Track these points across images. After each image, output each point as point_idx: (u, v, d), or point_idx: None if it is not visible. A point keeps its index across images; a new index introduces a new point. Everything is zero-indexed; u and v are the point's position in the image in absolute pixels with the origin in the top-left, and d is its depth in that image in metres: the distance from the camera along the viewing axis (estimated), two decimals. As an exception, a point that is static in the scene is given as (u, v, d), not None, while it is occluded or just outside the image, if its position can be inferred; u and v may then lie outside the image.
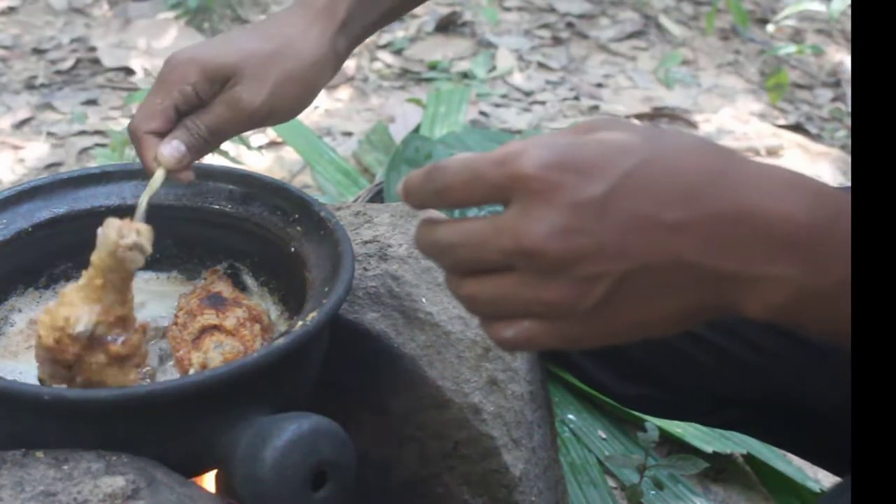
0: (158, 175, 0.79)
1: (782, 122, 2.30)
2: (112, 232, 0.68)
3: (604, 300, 0.51)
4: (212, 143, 0.81)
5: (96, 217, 0.88)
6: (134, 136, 0.81)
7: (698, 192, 0.51)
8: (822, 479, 1.30)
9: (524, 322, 0.53)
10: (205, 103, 0.81)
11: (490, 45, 2.56)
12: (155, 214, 0.89)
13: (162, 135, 0.80)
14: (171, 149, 0.79)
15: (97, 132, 2.12)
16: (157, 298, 0.90)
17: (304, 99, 0.85)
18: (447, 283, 0.56)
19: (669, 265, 0.51)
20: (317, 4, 0.86)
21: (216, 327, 0.79)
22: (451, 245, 0.54)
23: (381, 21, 0.91)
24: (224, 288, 0.84)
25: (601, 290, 0.51)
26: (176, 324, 0.81)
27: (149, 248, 0.69)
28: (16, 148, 2.07)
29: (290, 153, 2.03)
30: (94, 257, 0.69)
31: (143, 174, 0.89)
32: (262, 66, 0.81)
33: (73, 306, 0.68)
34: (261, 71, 0.81)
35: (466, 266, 0.54)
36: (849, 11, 2.59)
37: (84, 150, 2.06)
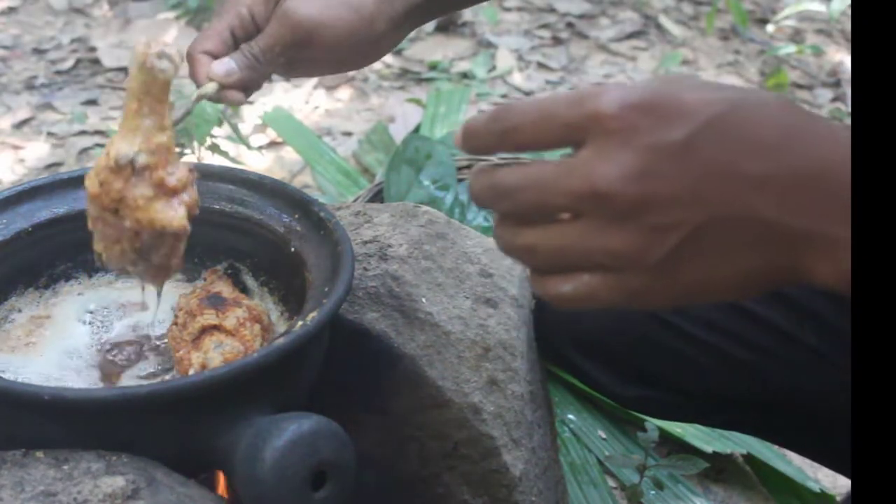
0: (209, 86, 0.80)
1: (782, 122, 2.30)
2: (140, 46, 0.67)
3: (675, 252, 0.49)
4: (262, 61, 0.81)
5: (96, 217, 0.88)
6: (189, 56, 0.81)
7: (780, 147, 0.49)
8: (822, 479, 1.30)
9: (584, 276, 0.51)
10: (261, 29, 0.81)
11: (490, 45, 2.56)
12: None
13: (216, 57, 0.81)
14: (221, 64, 0.80)
15: (97, 132, 2.12)
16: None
17: (355, 30, 0.82)
18: (499, 233, 0.53)
19: (746, 219, 0.49)
20: None
21: (216, 327, 0.79)
22: (515, 187, 0.51)
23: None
24: (224, 288, 0.84)
25: (673, 240, 0.49)
26: (176, 324, 0.81)
27: (178, 60, 0.68)
28: (16, 148, 2.07)
29: (290, 153, 2.03)
30: (128, 81, 0.68)
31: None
32: None
33: (112, 144, 0.68)
34: None
35: (527, 212, 0.51)
36: (849, 11, 2.59)
37: (84, 150, 2.06)
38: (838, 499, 1.26)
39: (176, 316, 0.81)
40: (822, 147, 0.50)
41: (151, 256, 0.71)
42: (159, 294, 0.80)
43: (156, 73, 0.67)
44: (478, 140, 0.53)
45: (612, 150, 0.48)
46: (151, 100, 0.68)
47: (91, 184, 0.69)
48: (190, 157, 1.62)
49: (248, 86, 0.82)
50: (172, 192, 0.69)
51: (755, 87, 0.53)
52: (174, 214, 0.69)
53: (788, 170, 0.49)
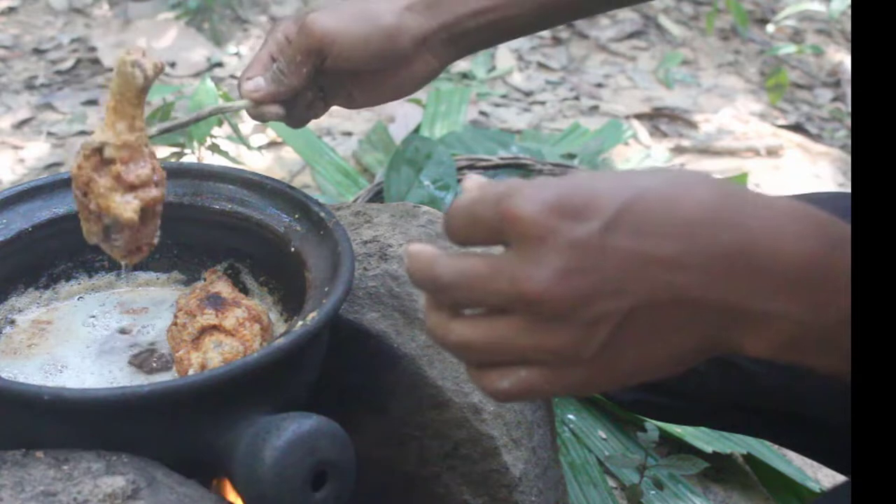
0: (239, 102, 0.87)
1: (782, 122, 2.30)
2: (123, 51, 0.75)
3: (607, 343, 0.50)
4: (286, 72, 0.85)
5: (96, 217, 0.88)
6: (238, 83, 0.88)
7: (698, 226, 0.49)
8: (822, 479, 1.30)
9: (520, 371, 0.51)
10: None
11: (490, 45, 2.56)
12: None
13: None
14: (250, 82, 0.86)
15: (97, 132, 2.11)
16: (156, 298, 0.90)
17: (372, 41, 0.85)
18: (432, 322, 0.54)
19: (672, 302, 0.49)
20: None
21: (216, 327, 0.79)
22: (450, 284, 0.52)
23: (478, 18, 0.88)
24: (223, 288, 0.84)
25: (604, 332, 0.49)
26: (175, 324, 0.81)
27: (150, 70, 0.74)
28: (16, 148, 2.07)
29: (290, 153, 2.03)
30: (111, 81, 0.76)
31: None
32: (337, 3, 0.87)
33: (94, 133, 0.76)
34: (335, 4, 0.87)
35: (461, 306, 0.52)
36: (849, 11, 2.59)
37: (84, 150, 2.06)
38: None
39: (176, 316, 0.81)
40: (746, 222, 0.50)
41: (114, 238, 0.77)
42: (126, 268, 0.89)
43: (129, 78, 0.74)
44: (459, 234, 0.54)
45: (532, 253, 0.49)
46: (125, 102, 0.75)
47: (73, 164, 0.76)
48: (190, 157, 1.61)
49: (278, 98, 0.86)
50: (130, 187, 0.75)
51: (678, 170, 0.55)
52: (126, 207, 0.75)
53: (709, 248, 0.49)
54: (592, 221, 0.49)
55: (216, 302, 0.81)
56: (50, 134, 2.12)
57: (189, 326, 0.79)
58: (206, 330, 0.79)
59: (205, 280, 0.88)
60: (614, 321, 0.49)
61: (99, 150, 0.75)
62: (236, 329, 0.79)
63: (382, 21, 0.85)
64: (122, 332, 0.85)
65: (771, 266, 0.49)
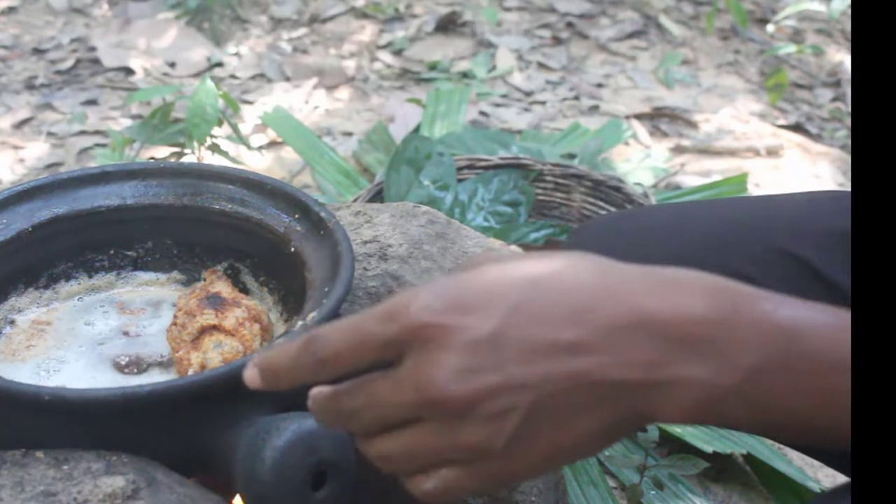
0: None
1: (782, 122, 2.30)
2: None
3: (517, 433, 0.50)
4: None
5: (96, 217, 0.88)
6: None
7: (588, 308, 0.50)
8: (822, 479, 1.30)
9: (441, 471, 0.52)
10: None
11: (490, 45, 2.56)
12: (155, 214, 0.90)
13: None
14: None
15: (97, 132, 2.12)
16: (156, 298, 0.90)
17: None
18: (359, 446, 0.55)
19: (574, 386, 0.50)
20: None
21: (215, 327, 0.79)
22: (354, 411, 0.53)
23: None
24: (223, 288, 0.84)
25: (512, 423, 0.50)
26: (175, 324, 0.81)
27: None
28: (16, 148, 2.07)
29: (290, 153, 2.03)
30: None
31: (143, 174, 0.90)
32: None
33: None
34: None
35: (374, 427, 0.53)
36: (849, 11, 2.59)
37: (84, 150, 2.06)
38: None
39: (175, 316, 0.81)
40: (632, 296, 0.51)
41: None
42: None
43: None
44: (288, 376, 0.55)
45: (431, 357, 0.50)
46: None
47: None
48: (190, 157, 1.61)
49: None
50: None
51: (564, 256, 0.56)
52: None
53: (602, 328, 0.50)
54: (488, 319, 0.50)
55: (216, 302, 0.81)
56: (50, 134, 2.12)
57: (189, 326, 0.79)
58: (205, 330, 0.79)
59: (205, 280, 0.88)
60: (521, 412, 0.50)
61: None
62: (236, 329, 0.79)
63: None
64: (122, 332, 0.85)
65: (666, 333, 0.50)
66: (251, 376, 0.56)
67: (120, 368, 0.81)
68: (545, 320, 0.50)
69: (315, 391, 0.55)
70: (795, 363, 0.50)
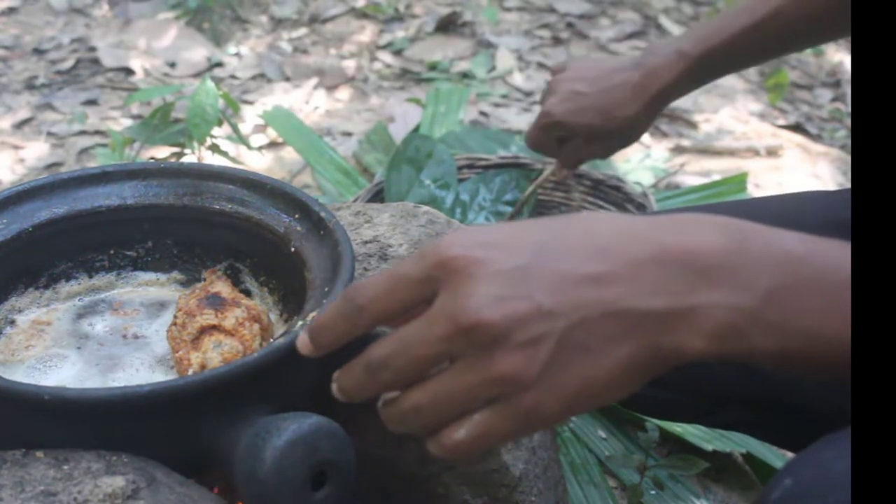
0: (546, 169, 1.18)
1: (782, 122, 2.30)
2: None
3: (550, 361, 0.52)
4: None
5: (96, 217, 0.88)
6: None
7: (614, 245, 0.53)
8: (822, 479, 1.30)
9: (474, 416, 0.53)
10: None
11: (490, 45, 2.56)
12: (155, 214, 0.90)
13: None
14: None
15: (97, 132, 2.12)
16: (156, 298, 0.90)
17: (605, 131, 1.26)
18: (383, 414, 0.56)
19: (602, 315, 0.52)
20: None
21: (215, 327, 0.79)
22: (387, 356, 0.54)
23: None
24: (223, 288, 0.84)
25: (546, 350, 0.51)
26: (175, 324, 0.81)
27: None
28: (16, 148, 2.07)
29: (290, 153, 2.03)
30: None
31: (143, 174, 0.90)
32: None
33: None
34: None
35: (405, 376, 0.54)
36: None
37: (84, 150, 2.06)
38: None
39: (175, 316, 0.81)
40: (654, 233, 0.54)
41: None
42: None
43: None
44: (334, 328, 0.57)
45: (463, 286, 0.52)
46: None
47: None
48: (190, 157, 1.61)
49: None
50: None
51: (582, 213, 0.62)
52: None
53: (627, 261, 0.53)
54: (519, 255, 0.52)
55: (216, 302, 0.81)
56: (50, 134, 2.12)
57: (188, 326, 0.79)
58: (205, 330, 0.79)
59: (205, 280, 0.88)
60: (553, 339, 0.51)
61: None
62: (236, 329, 0.79)
63: (616, 111, 1.22)
64: (122, 332, 0.85)
65: (686, 264, 0.53)
66: (302, 341, 0.59)
67: (120, 368, 0.81)
68: (571, 256, 0.53)
69: (338, 371, 0.57)
70: (806, 282, 0.53)
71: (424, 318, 0.53)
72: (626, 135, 1.26)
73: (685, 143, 2.18)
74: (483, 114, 2.25)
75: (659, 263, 0.52)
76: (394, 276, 0.54)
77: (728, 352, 0.53)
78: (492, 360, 0.51)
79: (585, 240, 0.53)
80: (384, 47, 2.54)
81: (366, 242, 0.90)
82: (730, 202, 1.21)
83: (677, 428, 1.30)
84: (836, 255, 0.54)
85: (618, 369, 0.53)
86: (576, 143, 1.31)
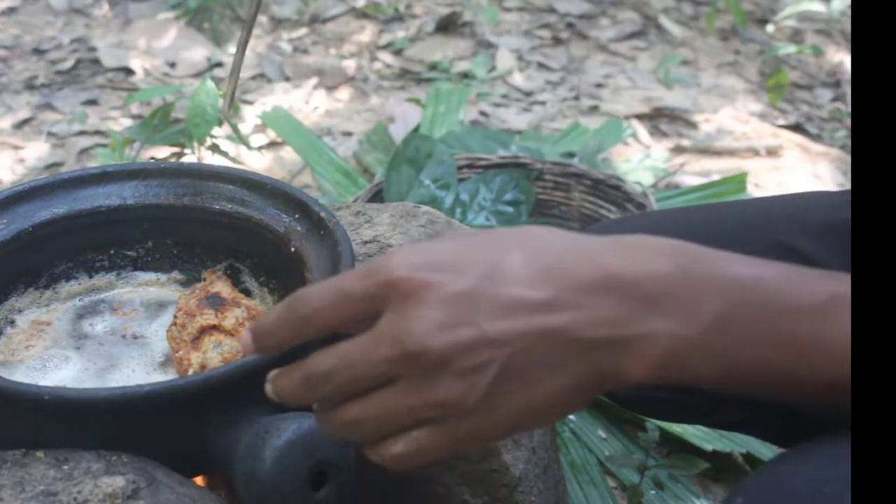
0: None
1: (782, 122, 2.30)
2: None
3: (492, 388, 0.52)
4: None
5: (96, 217, 0.88)
6: None
7: (559, 269, 0.53)
8: (822, 479, 1.30)
9: (411, 433, 0.53)
10: None
11: (490, 45, 2.56)
12: (155, 214, 0.90)
13: None
14: None
15: (97, 132, 2.12)
16: (156, 298, 0.90)
17: None
18: (321, 419, 0.55)
19: (546, 343, 0.52)
20: None
21: (215, 327, 0.79)
22: (328, 373, 0.53)
23: None
24: (223, 288, 0.84)
25: (488, 378, 0.51)
26: (175, 324, 0.81)
27: None
28: (16, 148, 2.07)
29: (290, 153, 2.03)
30: None
31: (143, 174, 0.90)
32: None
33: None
34: None
35: (344, 391, 0.54)
36: (849, 11, 2.59)
37: (84, 150, 2.06)
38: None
39: (175, 316, 0.81)
40: (599, 257, 0.53)
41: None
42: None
43: None
44: (275, 335, 0.56)
45: (411, 310, 0.51)
46: None
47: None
48: (190, 157, 1.61)
49: None
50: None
51: (530, 227, 0.61)
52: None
53: (571, 287, 0.52)
54: (465, 277, 0.52)
55: (216, 302, 0.81)
56: (50, 134, 2.12)
57: (188, 326, 0.79)
58: (205, 330, 0.79)
59: (205, 280, 0.88)
60: (494, 368, 0.51)
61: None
62: (236, 329, 0.79)
63: None
64: (122, 332, 0.85)
65: (631, 290, 0.52)
66: (245, 340, 0.57)
67: (119, 368, 0.81)
68: (519, 279, 0.52)
69: (274, 371, 0.56)
70: (751, 310, 0.53)
71: (369, 337, 0.52)
72: None
73: (685, 142, 2.18)
74: (483, 114, 2.25)
75: (603, 290, 0.52)
76: (340, 289, 0.53)
77: (671, 378, 0.53)
78: (434, 386, 0.51)
79: (530, 263, 0.53)
80: (384, 47, 2.54)
81: (366, 242, 0.90)
82: (730, 202, 1.21)
83: (677, 428, 1.30)
84: (781, 281, 0.54)
85: (559, 395, 0.53)
86: None
